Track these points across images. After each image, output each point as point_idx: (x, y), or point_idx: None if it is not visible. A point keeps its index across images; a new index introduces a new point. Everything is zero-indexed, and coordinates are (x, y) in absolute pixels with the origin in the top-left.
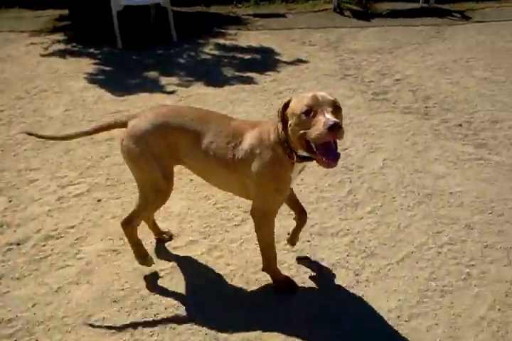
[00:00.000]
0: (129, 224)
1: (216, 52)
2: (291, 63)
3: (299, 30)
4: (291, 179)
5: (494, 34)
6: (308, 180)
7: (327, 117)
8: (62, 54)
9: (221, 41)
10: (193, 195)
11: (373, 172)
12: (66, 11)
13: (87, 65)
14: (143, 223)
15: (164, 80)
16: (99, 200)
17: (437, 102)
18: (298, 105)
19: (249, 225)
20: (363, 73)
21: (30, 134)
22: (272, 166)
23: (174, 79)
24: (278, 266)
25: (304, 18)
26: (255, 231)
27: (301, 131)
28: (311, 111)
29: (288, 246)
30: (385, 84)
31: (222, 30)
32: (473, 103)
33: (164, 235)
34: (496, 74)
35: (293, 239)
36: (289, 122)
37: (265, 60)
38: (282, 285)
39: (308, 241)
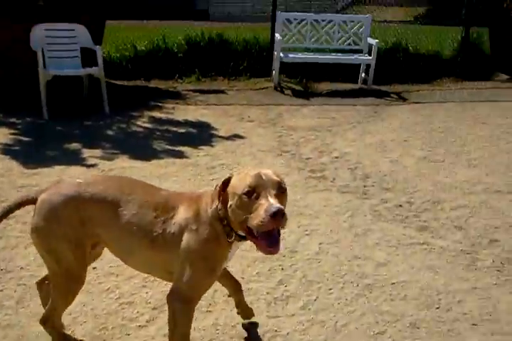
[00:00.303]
0: (47, 323)
1: (149, 125)
2: (228, 138)
3: (239, 106)
4: (228, 258)
5: (430, 115)
6: (235, 267)
7: (270, 202)
8: None
9: (156, 114)
10: (94, 287)
11: (308, 259)
12: None
13: (3, 136)
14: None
15: (87, 153)
16: None
17: (376, 181)
18: (240, 184)
19: (156, 326)
20: (301, 150)
21: None
22: (209, 244)
23: (98, 152)
24: None
25: (245, 95)
26: (170, 322)
27: (243, 215)
28: (253, 193)
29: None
30: (323, 162)
31: (159, 104)
32: (413, 182)
33: None
34: (435, 154)
35: (245, 312)
36: (230, 202)
37: (200, 135)
38: None
39: None
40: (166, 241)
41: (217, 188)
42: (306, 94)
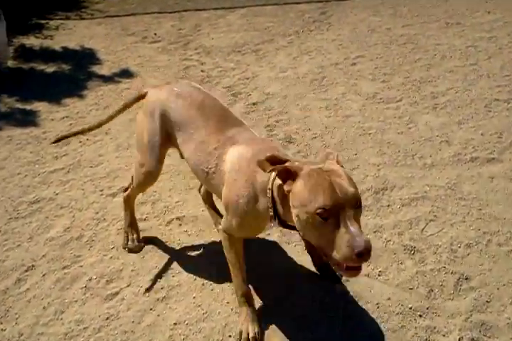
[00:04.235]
0: (125, 196)
1: (10, 65)
2: (109, 80)
3: (147, 16)
4: (263, 229)
5: (392, 14)
6: None
7: (353, 235)
8: None
9: (30, 41)
10: None
11: None
12: None
13: None
14: None
15: None
16: None
17: (301, 149)
18: (309, 197)
19: None
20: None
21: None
22: (246, 206)
23: None
24: None
25: None
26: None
27: (317, 240)
28: (328, 213)
29: None
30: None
31: (43, 22)
32: (351, 151)
33: None
34: (390, 87)
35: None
36: (294, 211)
37: (71, 77)
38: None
39: None
40: (216, 174)
41: (273, 174)
42: None
